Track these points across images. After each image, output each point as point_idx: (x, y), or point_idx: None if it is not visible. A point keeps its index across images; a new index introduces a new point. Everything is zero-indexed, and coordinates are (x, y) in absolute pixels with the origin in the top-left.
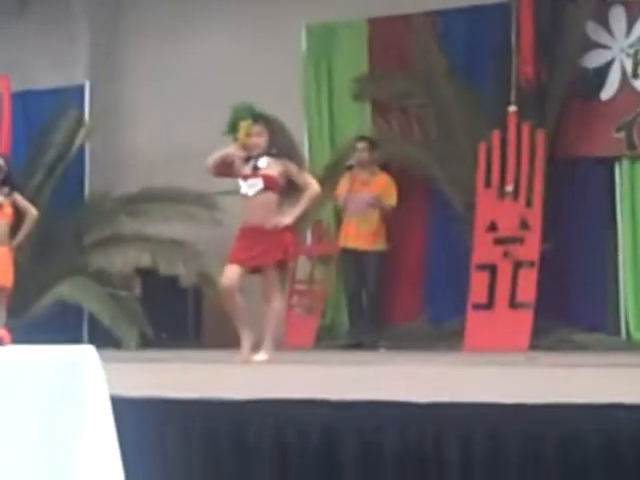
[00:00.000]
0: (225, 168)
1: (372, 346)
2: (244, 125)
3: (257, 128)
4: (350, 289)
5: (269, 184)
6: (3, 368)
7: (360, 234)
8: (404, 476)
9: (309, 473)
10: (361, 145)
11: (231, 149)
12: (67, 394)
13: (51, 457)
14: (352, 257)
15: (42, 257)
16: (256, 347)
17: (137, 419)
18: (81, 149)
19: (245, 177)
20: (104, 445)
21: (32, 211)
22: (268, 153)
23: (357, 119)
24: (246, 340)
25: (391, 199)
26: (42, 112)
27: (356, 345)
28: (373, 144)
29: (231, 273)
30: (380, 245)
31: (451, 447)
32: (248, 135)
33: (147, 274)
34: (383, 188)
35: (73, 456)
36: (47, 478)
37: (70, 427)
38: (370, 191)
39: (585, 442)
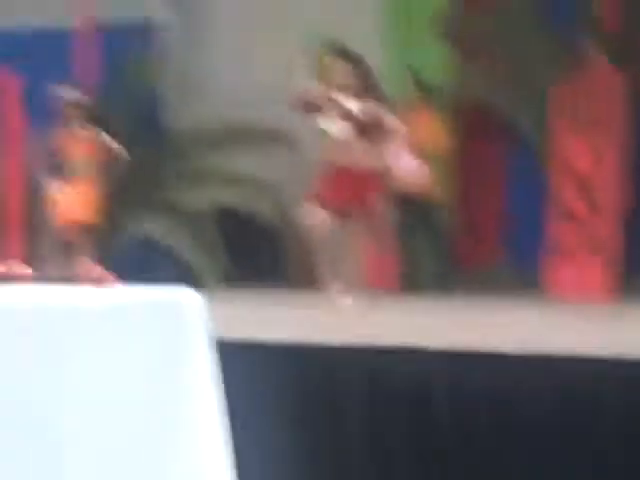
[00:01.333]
0: (311, 105)
1: (446, 290)
2: (331, 62)
3: (345, 67)
4: (409, 233)
5: (354, 124)
6: (112, 310)
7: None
8: (495, 425)
9: (400, 421)
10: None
11: (318, 87)
12: (172, 337)
13: (156, 394)
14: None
15: (123, 194)
16: (341, 289)
17: (232, 361)
18: (161, 83)
19: (328, 115)
20: (206, 385)
21: (118, 148)
22: (355, 93)
23: (437, 59)
24: (331, 282)
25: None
26: (122, 46)
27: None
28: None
29: (319, 214)
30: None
31: (547, 399)
32: (336, 74)
33: (228, 212)
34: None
35: (177, 394)
36: (151, 417)
37: (174, 368)
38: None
39: None
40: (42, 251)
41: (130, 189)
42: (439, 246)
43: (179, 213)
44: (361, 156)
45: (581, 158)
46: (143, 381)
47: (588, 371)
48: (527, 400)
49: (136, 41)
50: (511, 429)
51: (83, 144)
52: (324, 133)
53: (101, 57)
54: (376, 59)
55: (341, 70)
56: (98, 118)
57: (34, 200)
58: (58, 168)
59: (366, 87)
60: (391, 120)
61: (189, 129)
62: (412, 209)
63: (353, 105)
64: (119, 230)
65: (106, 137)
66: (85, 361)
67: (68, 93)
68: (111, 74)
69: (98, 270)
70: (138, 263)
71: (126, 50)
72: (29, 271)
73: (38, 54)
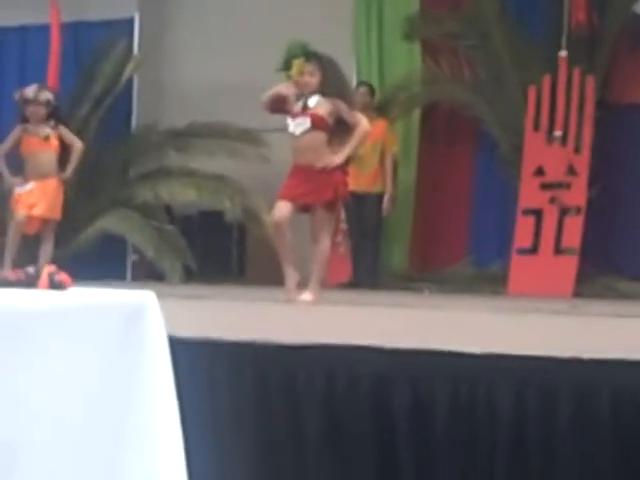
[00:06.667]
0: (279, 105)
1: (371, 287)
2: (297, 63)
3: (310, 67)
4: (351, 231)
5: (317, 123)
6: (67, 312)
7: (360, 176)
8: (455, 427)
9: (359, 421)
10: (363, 90)
11: (284, 87)
12: (128, 338)
13: (110, 399)
14: (352, 200)
15: (88, 189)
16: (300, 286)
17: (188, 360)
18: (129, 81)
19: (294, 115)
20: (162, 389)
21: (78, 144)
22: (319, 92)
23: (407, 59)
24: (291, 278)
25: (393, 146)
26: (92, 44)
27: (355, 285)
28: (372, 90)
29: (282, 208)
30: (379, 187)
31: (503, 399)
32: (301, 73)
33: (193, 210)
34: (384, 134)
35: (131, 398)
36: (106, 421)
37: (130, 371)
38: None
39: (637, 399)
40: (5, 248)
41: (95, 185)
42: (368, 242)
43: (143, 210)
44: (323, 153)
45: (550, 160)
46: (97, 386)
47: (547, 371)
48: (490, 401)
49: (108, 39)
50: (472, 429)
51: (44, 140)
52: (291, 132)
53: (71, 53)
54: (347, 61)
55: (310, 71)
56: (60, 114)
57: None
58: (20, 165)
59: (335, 89)
60: (357, 119)
61: (157, 126)
62: (373, 208)
63: (321, 106)
64: (83, 226)
65: (67, 133)
66: (37, 364)
67: (28, 89)
68: (82, 71)
69: (58, 272)
70: (101, 259)
71: (98, 47)
72: None
73: None
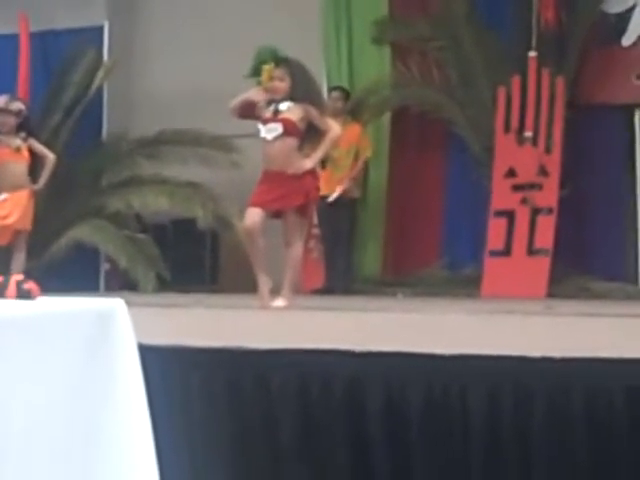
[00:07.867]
0: (249, 110)
1: (345, 292)
2: (267, 69)
3: (279, 72)
4: (324, 236)
5: (288, 129)
6: (35, 320)
7: (333, 181)
8: (429, 429)
9: (333, 425)
10: (335, 94)
11: (254, 92)
12: (97, 346)
13: (81, 407)
14: (325, 205)
15: (59, 199)
16: (273, 292)
17: (160, 367)
18: (99, 90)
19: (265, 121)
20: (132, 396)
21: (50, 156)
22: (290, 97)
23: (376, 62)
24: (264, 285)
25: (368, 150)
26: (61, 53)
27: (328, 291)
28: (347, 94)
29: (253, 215)
30: (352, 192)
31: (477, 400)
32: (270, 79)
33: (165, 218)
34: (358, 138)
35: (102, 406)
36: (76, 428)
37: (99, 378)
38: (345, 141)
39: (610, 397)
40: None
41: (66, 195)
42: (340, 247)
43: (115, 219)
44: (294, 158)
45: (521, 161)
46: (65, 393)
47: (521, 372)
48: (464, 402)
49: (77, 48)
50: (446, 431)
51: (15, 152)
52: (262, 138)
53: (40, 63)
54: (317, 65)
55: (279, 76)
56: (31, 126)
57: None
58: None
59: (305, 93)
60: (328, 124)
61: (128, 135)
62: (346, 212)
63: (292, 111)
64: (55, 236)
65: (38, 145)
66: (4, 372)
67: None
68: (52, 80)
69: (26, 281)
70: (73, 269)
71: (67, 56)
72: None
73: None
